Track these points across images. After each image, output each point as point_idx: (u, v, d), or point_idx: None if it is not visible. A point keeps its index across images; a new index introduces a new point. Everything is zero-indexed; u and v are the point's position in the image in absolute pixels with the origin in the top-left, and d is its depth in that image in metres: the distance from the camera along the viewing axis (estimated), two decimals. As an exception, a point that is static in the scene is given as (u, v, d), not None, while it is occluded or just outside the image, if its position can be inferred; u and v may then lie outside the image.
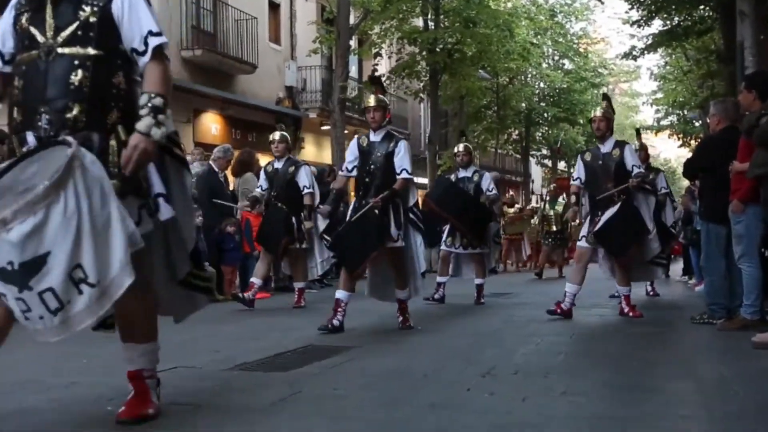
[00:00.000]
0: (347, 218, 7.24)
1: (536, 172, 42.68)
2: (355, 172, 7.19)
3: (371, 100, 7.19)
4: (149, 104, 3.08)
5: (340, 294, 6.81)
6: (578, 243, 8.45)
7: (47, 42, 3.10)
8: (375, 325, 7.53)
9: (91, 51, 3.10)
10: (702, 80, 24.40)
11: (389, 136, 7.11)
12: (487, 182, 10.26)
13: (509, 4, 26.51)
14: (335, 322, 6.61)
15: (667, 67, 29.75)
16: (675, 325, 7.60)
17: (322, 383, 4.41)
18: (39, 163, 2.91)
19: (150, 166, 3.22)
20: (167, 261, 3.51)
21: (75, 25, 3.10)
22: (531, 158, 38.01)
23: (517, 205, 22.16)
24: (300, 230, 9.23)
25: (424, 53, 25.08)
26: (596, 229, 7.82)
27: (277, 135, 9.53)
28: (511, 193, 25.67)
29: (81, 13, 3.10)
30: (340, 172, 7.52)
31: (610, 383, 4.48)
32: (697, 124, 28.39)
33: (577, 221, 9.09)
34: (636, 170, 7.80)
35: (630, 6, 18.77)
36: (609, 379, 4.64)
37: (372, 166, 6.95)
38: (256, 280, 9.27)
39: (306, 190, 9.19)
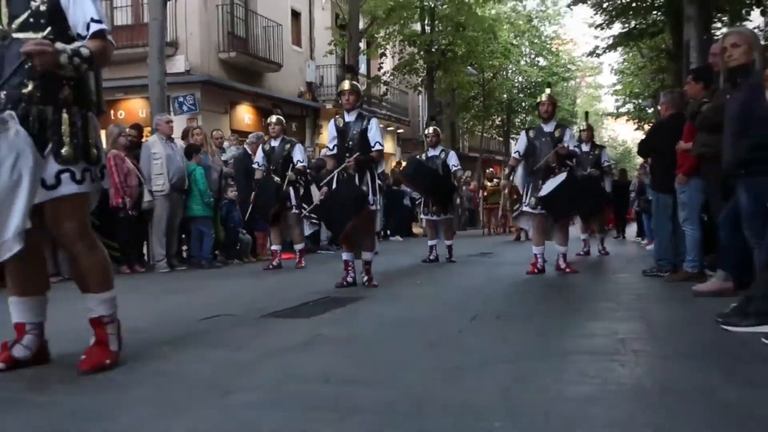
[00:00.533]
0: (329, 186, 6.84)
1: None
2: (335, 150, 6.85)
3: (346, 85, 6.74)
4: (78, 47, 2.99)
5: (345, 256, 6.74)
6: (524, 209, 7.89)
7: (3, 29, 3.06)
8: (381, 279, 7.54)
9: (42, 35, 3.01)
10: (654, 74, 24.31)
11: (361, 116, 6.74)
12: (453, 159, 10.05)
13: (493, 11, 26.30)
14: (349, 279, 6.60)
15: (625, 64, 29.62)
16: (630, 278, 7.62)
17: (339, 328, 4.46)
18: None
19: (99, 141, 3.30)
20: None
21: (27, 13, 3.06)
22: (511, 141, 37.84)
23: (495, 179, 22.18)
24: (297, 197, 8.97)
25: (421, 53, 25.03)
26: (541, 194, 7.47)
27: (273, 118, 9.22)
28: (491, 169, 25.61)
29: (32, 3, 3.06)
30: (326, 154, 7.13)
31: (576, 326, 4.50)
32: (649, 111, 28.29)
33: (506, 191, 9.17)
34: (569, 147, 7.58)
35: (594, 12, 18.71)
36: (575, 322, 4.66)
37: (350, 143, 6.60)
38: (275, 246, 9.26)
39: (299, 164, 8.94)
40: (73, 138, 3.08)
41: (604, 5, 18.23)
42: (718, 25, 15.66)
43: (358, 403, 2.66)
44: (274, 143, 9.03)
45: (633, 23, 18.53)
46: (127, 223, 8.94)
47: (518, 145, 8.08)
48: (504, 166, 36.81)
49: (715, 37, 11.93)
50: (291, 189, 8.88)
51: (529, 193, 7.73)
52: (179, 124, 12.74)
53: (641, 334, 4.16)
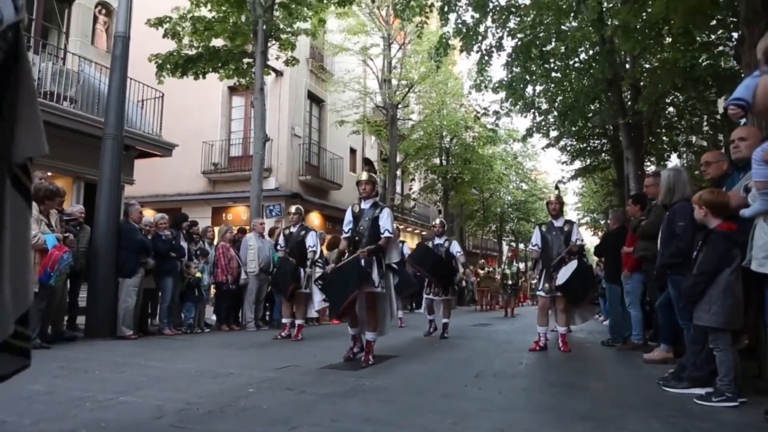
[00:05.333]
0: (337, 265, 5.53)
1: (505, 250, 42.16)
2: (349, 233, 5.51)
3: (364, 176, 5.51)
4: None
5: (351, 331, 5.46)
6: (538, 294, 6.76)
7: None
8: (409, 342, 7.40)
9: None
10: (604, 197, 24.15)
11: (375, 205, 5.43)
12: (456, 247, 8.63)
13: (490, 151, 26.65)
14: (356, 350, 5.37)
15: (584, 189, 29.60)
16: (592, 346, 7.33)
17: (377, 378, 4.30)
18: None
19: None
20: None
21: None
22: (503, 241, 37.73)
23: (487, 269, 21.83)
24: (308, 278, 7.58)
25: (439, 179, 25.35)
26: (558, 284, 6.30)
27: (293, 208, 7.99)
28: (482, 260, 25.32)
29: None
30: (342, 236, 5.70)
31: (553, 383, 4.30)
32: (601, 222, 28.06)
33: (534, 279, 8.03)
34: (579, 242, 6.50)
35: (561, 153, 18.90)
36: (553, 380, 4.46)
37: (362, 228, 5.34)
38: (285, 319, 7.76)
39: (310, 249, 7.59)
40: None
41: (568, 149, 18.43)
42: (648, 163, 15.69)
43: (389, 440, 2.54)
44: (293, 229, 7.76)
45: (588, 161, 18.62)
46: (229, 294, 8.96)
47: (534, 239, 6.86)
48: (496, 259, 36.76)
49: (647, 173, 11.92)
50: (301, 270, 7.56)
51: (542, 280, 6.60)
52: (268, 224, 12.92)
53: (602, 391, 3.94)
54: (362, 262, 5.14)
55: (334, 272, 5.42)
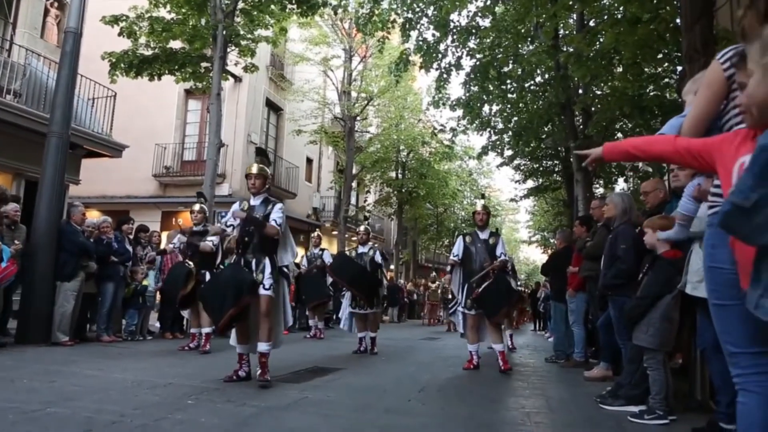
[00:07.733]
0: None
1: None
2: (235, 232, 4.75)
3: (254, 168, 4.77)
4: None
5: (240, 349, 4.73)
6: (462, 311, 6.21)
7: None
8: (356, 355, 7.33)
9: None
10: (555, 216, 24.83)
11: (267, 201, 4.74)
12: (379, 256, 7.68)
13: (446, 167, 26.99)
14: (241, 373, 4.62)
15: (536, 207, 30.33)
16: (536, 363, 7.45)
17: (321, 392, 4.24)
18: None
19: None
20: None
21: None
22: (455, 256, 38.15)
23: (437, 282, 21.79)
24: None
25: (395, 192, 25.49)
26: (474, 297, 5.92)
27: (196, 207, 7.21)
28: (434, 274, 25.25)
29: None
30: (228, 236, 4.91)
31: (494, 399, 4.34)
32: (552, 241, 28.79)
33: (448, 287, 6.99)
34: (503, 257, 6.07)
35: (515, 171, 19.34)
36: (493, 396, 4.50)
37: (251, 228, 4.61)
38: (194, 329, 7.17)
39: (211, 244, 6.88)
40: None
41: (522, 168, 18.89)
42: (597, 186, 16.24)
43: (328, 456, 2.49)
44: (195, 230, 7.13)
45: (541, 181, 19.13)
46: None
47: (455, 248, 6.40)
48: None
49: (596, 195, 12.33)
50: (207, 273, 6.75)
51: (464, 295, 6.14)
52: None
53: (541, 409, 4.00)
54: (252, 264, 4.56)
55: (211, 282, 4.55)
